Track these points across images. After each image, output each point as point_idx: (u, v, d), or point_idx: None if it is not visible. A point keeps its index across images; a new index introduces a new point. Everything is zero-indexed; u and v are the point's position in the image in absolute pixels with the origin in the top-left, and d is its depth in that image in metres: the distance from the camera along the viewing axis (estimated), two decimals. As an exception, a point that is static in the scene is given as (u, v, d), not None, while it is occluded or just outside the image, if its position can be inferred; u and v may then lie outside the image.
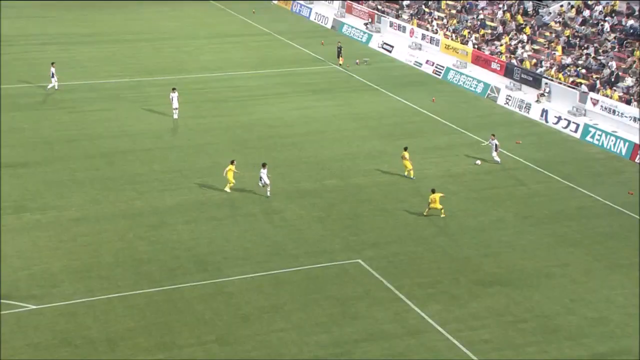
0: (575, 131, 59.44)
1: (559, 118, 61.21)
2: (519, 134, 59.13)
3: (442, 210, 44.48)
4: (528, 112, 63.59)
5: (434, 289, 37.50)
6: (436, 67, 74.79)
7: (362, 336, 33.74)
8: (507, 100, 65.97)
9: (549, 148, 56.72)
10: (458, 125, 60.03)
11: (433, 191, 44.62)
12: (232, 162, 46.98)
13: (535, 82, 66.60)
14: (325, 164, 52.19)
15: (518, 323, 35.00)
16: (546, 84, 65.52)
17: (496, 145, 52.38)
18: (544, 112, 62.41)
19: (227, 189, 46.92)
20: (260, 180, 45.83)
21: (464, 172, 51.44)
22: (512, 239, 42.83)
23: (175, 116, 58.98)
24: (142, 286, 37.23)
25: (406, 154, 50.23)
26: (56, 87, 65.00)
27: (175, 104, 58.74)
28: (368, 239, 42.26)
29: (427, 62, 76.08)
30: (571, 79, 64.80)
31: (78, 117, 59.92)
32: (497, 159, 52.23)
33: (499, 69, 70.70)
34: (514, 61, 70.46)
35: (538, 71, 67.53)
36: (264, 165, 45.76)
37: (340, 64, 75.76)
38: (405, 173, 50.19)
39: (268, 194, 45.98)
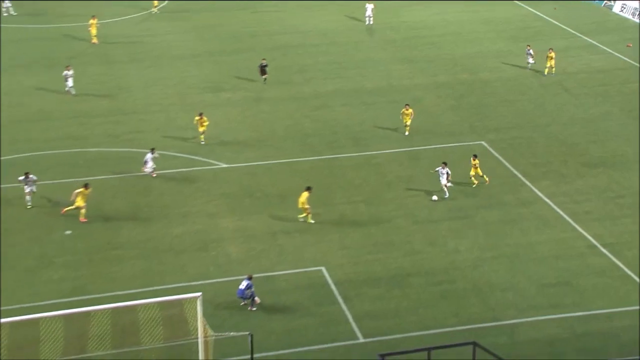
0: (682, 37, 55.01)
1: (669, 25, 56.68)
2: (631, 38, 55.21)
3: (484, 177, 34.66)
4: (640, 20, 59.17)
5: (545, 169, 36.55)
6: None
7: (482, 204, 33.52)
8: (622, 8, 61.44)
9: (656, 52, 52.93)
10: (575, 30, 56.70)
11: (475, 157, 34.74)
12: (406, 105, 39.67)
13: (649, -8, 61.53)
14: (458, 60, 50.80)
15: (617, 199, 33.82)
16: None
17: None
18: (656, 20, 57.91)
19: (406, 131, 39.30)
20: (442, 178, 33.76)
21: (578, 71, 48.93)
22: (617, 129, 40.84)
23: (368, 22, 57.07)
24: (307, 155, 38.10)
25: (552, 54, 47.78)
26: None
27: (369, 12, 57.41)
28: (491, 125, 41.31)
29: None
30: (683, -10, 59.49)
31: (259, 16, 60.31)
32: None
33: (616, -20, 65.56)
34: (630, -26, 65.11)
35: (653, -17, 62.25)
36: (444, 164, 33.80)
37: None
38: (546, 71, 47.80)
39: (446, 194, 33.70)
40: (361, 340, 25.26)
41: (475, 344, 16.22)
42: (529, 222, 32.17)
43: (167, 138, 39.26)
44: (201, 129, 38.31)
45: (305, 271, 28.74)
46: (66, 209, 31.64)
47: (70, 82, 43.95)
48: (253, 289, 26.08)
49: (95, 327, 24.32)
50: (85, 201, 31.54)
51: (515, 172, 36.21)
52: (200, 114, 38.47)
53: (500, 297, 27.46)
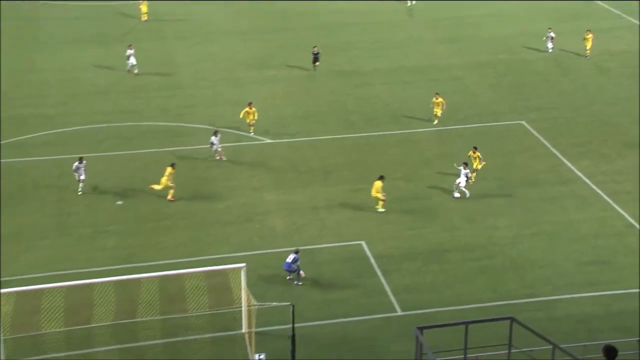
0: None
1: None
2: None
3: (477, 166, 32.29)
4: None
5: (585, 148, 35.72)
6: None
7: (522, 182, 32.93)
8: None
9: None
10: (619, 10, 54.98)
11: (475, 149, 32.56)
12: (436, 94, 37.52)
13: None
14: (499, 40, 49.71)
15: (656, 180, 32.96)
16: None
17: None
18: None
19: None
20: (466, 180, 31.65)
21: (621, 51, 47.52)
22: (658, 110, 39.69)
23: (409, 4, 55.96)
24: (349, 132, 37.83)
25: (589, 36, 46.17)
26: None
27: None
28: (532, 105, 40.45)
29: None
30: None
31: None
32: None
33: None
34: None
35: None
36: (465, 165, 31.75)
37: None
38: (587, 53, 46.24)
39: (467, 194, 31.59)
40: (399, 312, 25.13)
41: (512, 319, 15.93)
42: (568, 200, 31.52)
43: (215, 113, 39.32)
44: (250, 120, 35.99)
45: (346, 245, 28.65)
46: (153, 185, 31.06)
47: (132, 61, 43.54)
48: (299, 263, 26.07)
49: (144, 293, 24.62)
50: (172, 180, 30.88)
51: (555, 152, 35.45)
52: (250, 104, 36.28)
53: (538, 274, 27.02)
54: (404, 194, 32.08)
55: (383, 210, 30.49)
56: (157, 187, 31.02)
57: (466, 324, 16.08)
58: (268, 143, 36.52)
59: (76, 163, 31.40)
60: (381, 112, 39.78)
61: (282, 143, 36.54)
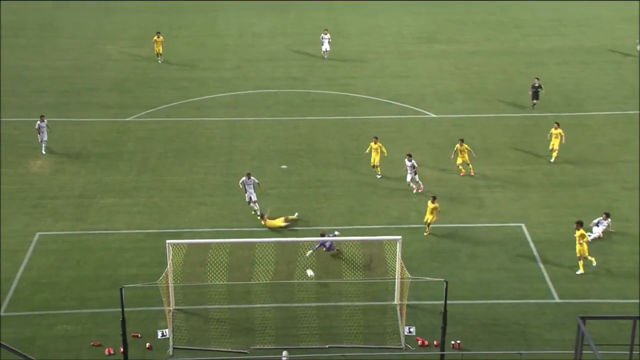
0: None
1: None
2: None
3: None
4: None
5: None
6: None
7: (703, 176, 30.63)
8: None
9: None
10: None
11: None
12: (556, 123, 32.13)
13: None
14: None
15: None
16: None
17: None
18: None
19: None
20: None
21: None
22: None
23: None
24: (516, 111, 36.78)
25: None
26: None
27: None
28: None
29: None
30: None
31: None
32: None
33: None
34: None
35: None
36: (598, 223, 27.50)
37: None
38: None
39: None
40: (557, 300, 24.38)
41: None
42: None
43: (380, 85, 39.62)
44: (375, 159, 30.98)
45: (505, 226, 28.08)
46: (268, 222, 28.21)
47: (326, 46, 42.32)
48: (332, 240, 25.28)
49: (302, 256, 25.54)
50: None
51: None
52: (375, 139, 31.07)
53: None
54: (570, 179, 30.89)
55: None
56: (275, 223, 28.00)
57: (634, 319, 15.21)
58: (432, 117, 36.33)
59: (244, 178, 28.63)
60: (552, 93, 38.24)
61: (446, 118, 36.20)
